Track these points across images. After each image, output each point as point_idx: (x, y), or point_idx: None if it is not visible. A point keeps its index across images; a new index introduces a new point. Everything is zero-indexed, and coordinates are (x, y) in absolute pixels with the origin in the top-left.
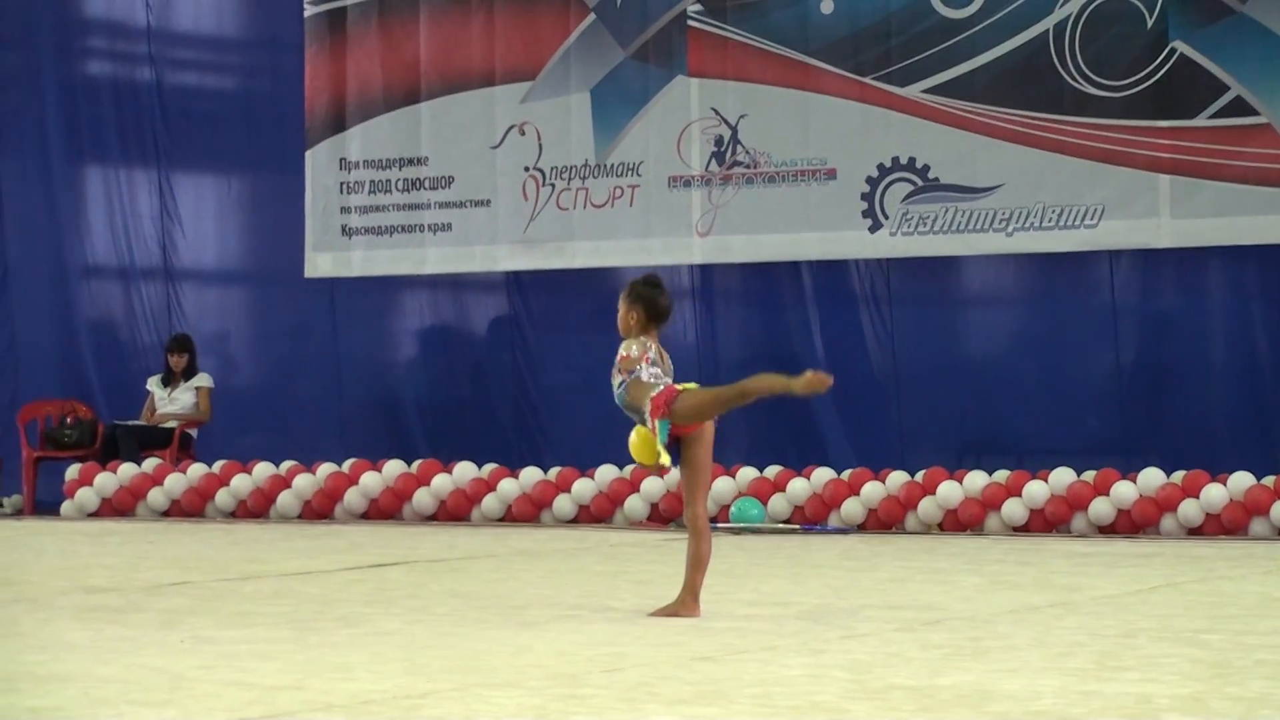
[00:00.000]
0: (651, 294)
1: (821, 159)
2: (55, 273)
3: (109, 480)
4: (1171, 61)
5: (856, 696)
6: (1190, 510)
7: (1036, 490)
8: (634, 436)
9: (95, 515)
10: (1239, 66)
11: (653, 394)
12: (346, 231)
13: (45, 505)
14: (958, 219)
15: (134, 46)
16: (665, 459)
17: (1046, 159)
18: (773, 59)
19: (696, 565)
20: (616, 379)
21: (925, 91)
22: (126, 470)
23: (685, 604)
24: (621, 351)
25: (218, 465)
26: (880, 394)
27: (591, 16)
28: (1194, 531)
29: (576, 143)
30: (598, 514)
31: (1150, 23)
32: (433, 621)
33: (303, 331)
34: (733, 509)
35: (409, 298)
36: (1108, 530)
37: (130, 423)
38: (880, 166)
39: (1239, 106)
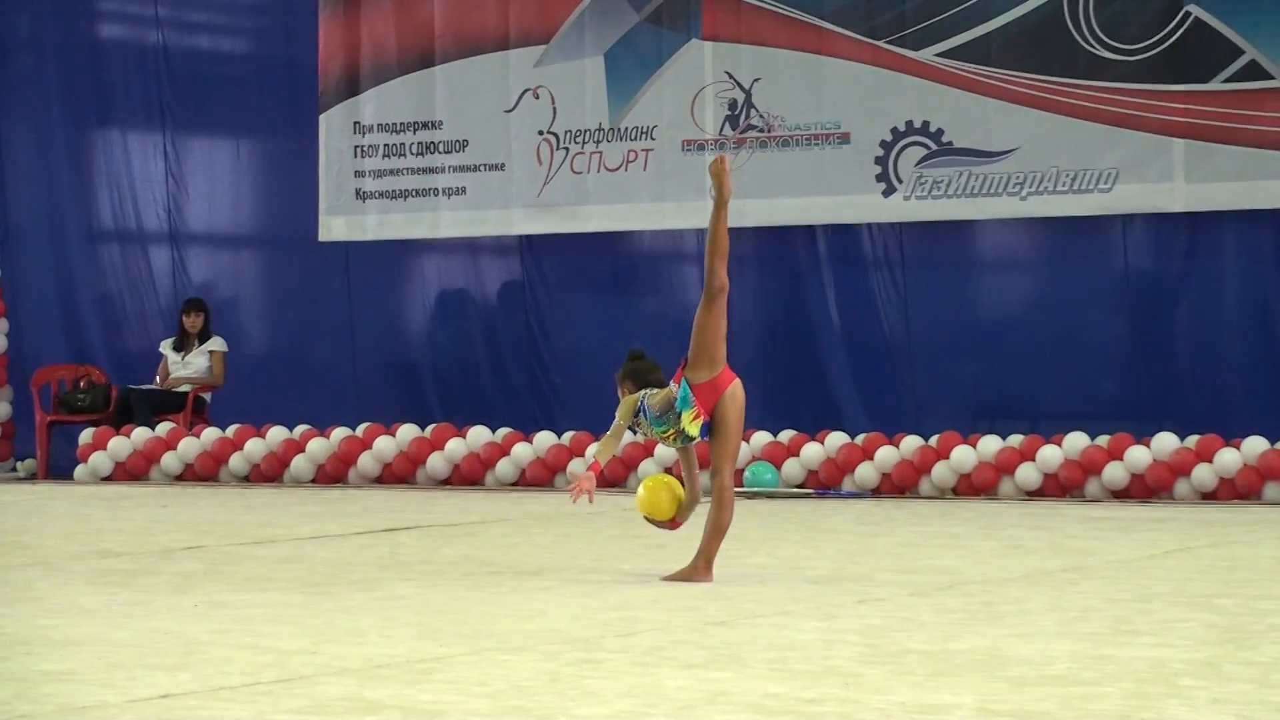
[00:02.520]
0: (634, 366)
1: (835, 123)
2: (62, 237)
3: (122, 444)
4: (1186, 25)
5: (870, 661)
6: (1204, 475)
7: (1050, 455)
8: (642, 491)
9: (108, 480)
10: (1253, 30)
11: (672, 389)
12: (360, 195)
13: (58, 470)
14: (972, 183)
15: (145, 9)
16: (695, 430)
17: (1061, 123)
18: (786, 22)
19: (715, 533)
20: (638, 423)
21: (939, 55)
22: (140, 434)
23: (698, 569)
24: (624, 414)
25: (231, 429)
26: (894, 358)
27: None
28: (1208, 496)
29: (591, 106)
30: (612, 478)
31: None
32: (446, 586)
33: (316, 295)
34: (747, 473)
35: (423, 261)
36: (1121, 495)
37: (143, 387)
38: (894, 130)
39: (1253, 70)
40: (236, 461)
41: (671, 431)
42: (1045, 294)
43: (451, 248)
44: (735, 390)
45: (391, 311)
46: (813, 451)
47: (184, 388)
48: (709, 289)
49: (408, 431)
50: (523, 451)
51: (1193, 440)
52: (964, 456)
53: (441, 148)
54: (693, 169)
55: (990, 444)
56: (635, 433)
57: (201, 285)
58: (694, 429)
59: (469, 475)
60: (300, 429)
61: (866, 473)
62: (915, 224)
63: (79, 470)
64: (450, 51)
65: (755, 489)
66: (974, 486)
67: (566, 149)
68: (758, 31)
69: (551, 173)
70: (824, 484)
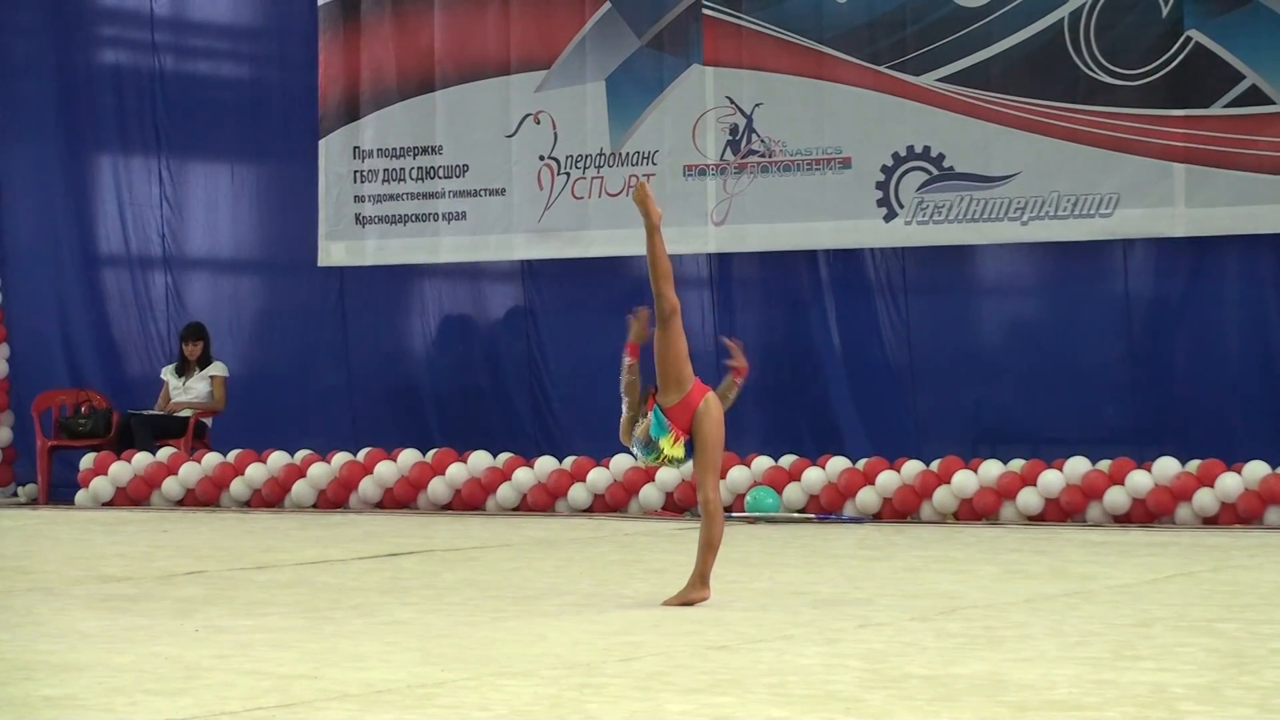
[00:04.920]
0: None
1: (836, 148)
2: (60, 262)
3: (123, 469)
4: (1186, 50)
5: (872, 685)
6: (1205, 499)
7: (1052, 479)
8: None
9: (110, 504)
10: (1254, 55)
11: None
12: (360, 220)
13: (59, 495)
14: (973, 208)
15: (142, 35)
16: (680, 452)
17: (1061, 148)
18: (788, 47)
19: (707, 548)
20: (636, 447)
21: (940, 80)
22: (141, 459)
23: (695, 587)
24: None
25: (232, 454)
26: (895, 383)
27: (607, 5)
28: (1209, 521)
29: (591, 131)
30: (612, 503)
31: (1165, 11)
32: (447, 611)
33: (316, 320)
34: (748, 498)
35: (423, 286)
36: (1123, 519)
37: (145, 412)
38: (895, 155)
39: (1254, 95)
40: (237, 486)
41: (662, 457)
42: (1046, 319)
43: (452, 273)
44: (709, 404)
45: (392, 336)
46: (814, 476)
47: (185, 412)
48: (660, 313)
49: (409, 456)
50: (524, 476)
51: (1194, 465)
52: (965, 481)
53: (442, 173)
54: (694, 194)
55: (991, 469)
56: (635, 458)
57: (200, 310)
58: (677, 451)
59: (470, 500)
60: (301, 454)
61: (868, 497)
62: (917, 249)
63: (80, 495)
64: (451, 76)
65: (756, 514)
66: (975, 511)
67: (567, 174)
68: (759, 57)
69: (552, 198)
70: (825, 509)
